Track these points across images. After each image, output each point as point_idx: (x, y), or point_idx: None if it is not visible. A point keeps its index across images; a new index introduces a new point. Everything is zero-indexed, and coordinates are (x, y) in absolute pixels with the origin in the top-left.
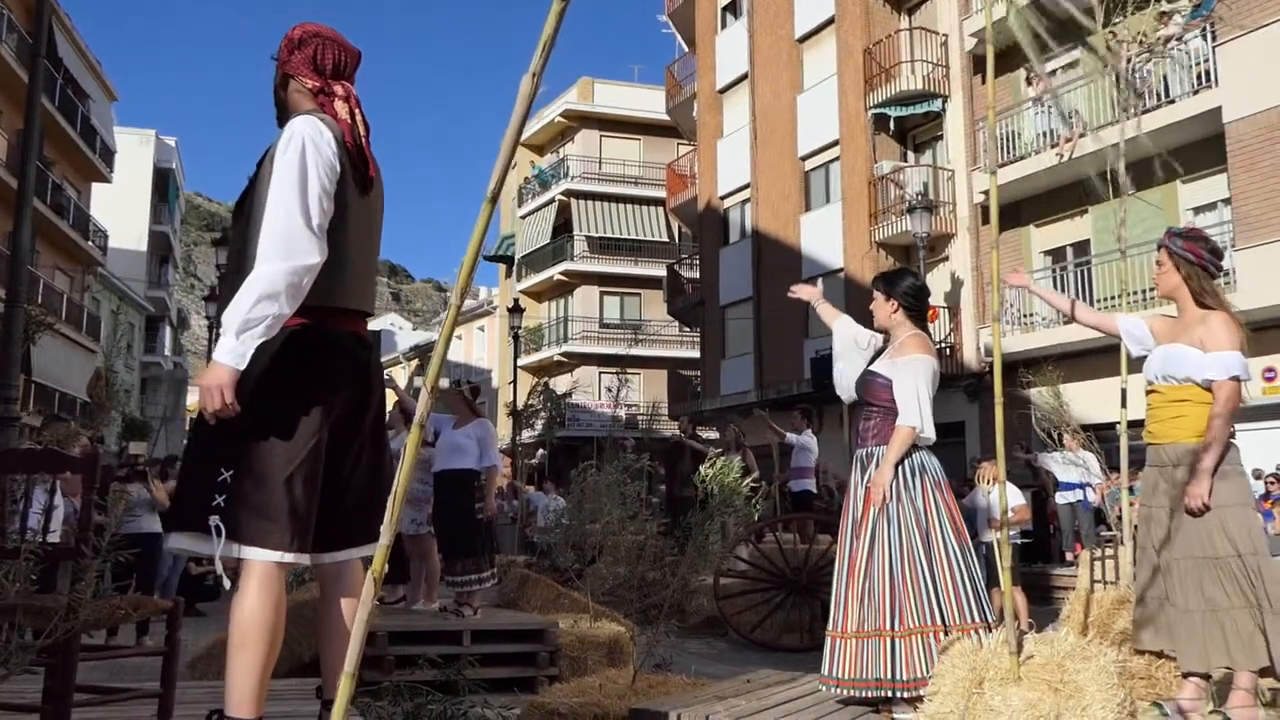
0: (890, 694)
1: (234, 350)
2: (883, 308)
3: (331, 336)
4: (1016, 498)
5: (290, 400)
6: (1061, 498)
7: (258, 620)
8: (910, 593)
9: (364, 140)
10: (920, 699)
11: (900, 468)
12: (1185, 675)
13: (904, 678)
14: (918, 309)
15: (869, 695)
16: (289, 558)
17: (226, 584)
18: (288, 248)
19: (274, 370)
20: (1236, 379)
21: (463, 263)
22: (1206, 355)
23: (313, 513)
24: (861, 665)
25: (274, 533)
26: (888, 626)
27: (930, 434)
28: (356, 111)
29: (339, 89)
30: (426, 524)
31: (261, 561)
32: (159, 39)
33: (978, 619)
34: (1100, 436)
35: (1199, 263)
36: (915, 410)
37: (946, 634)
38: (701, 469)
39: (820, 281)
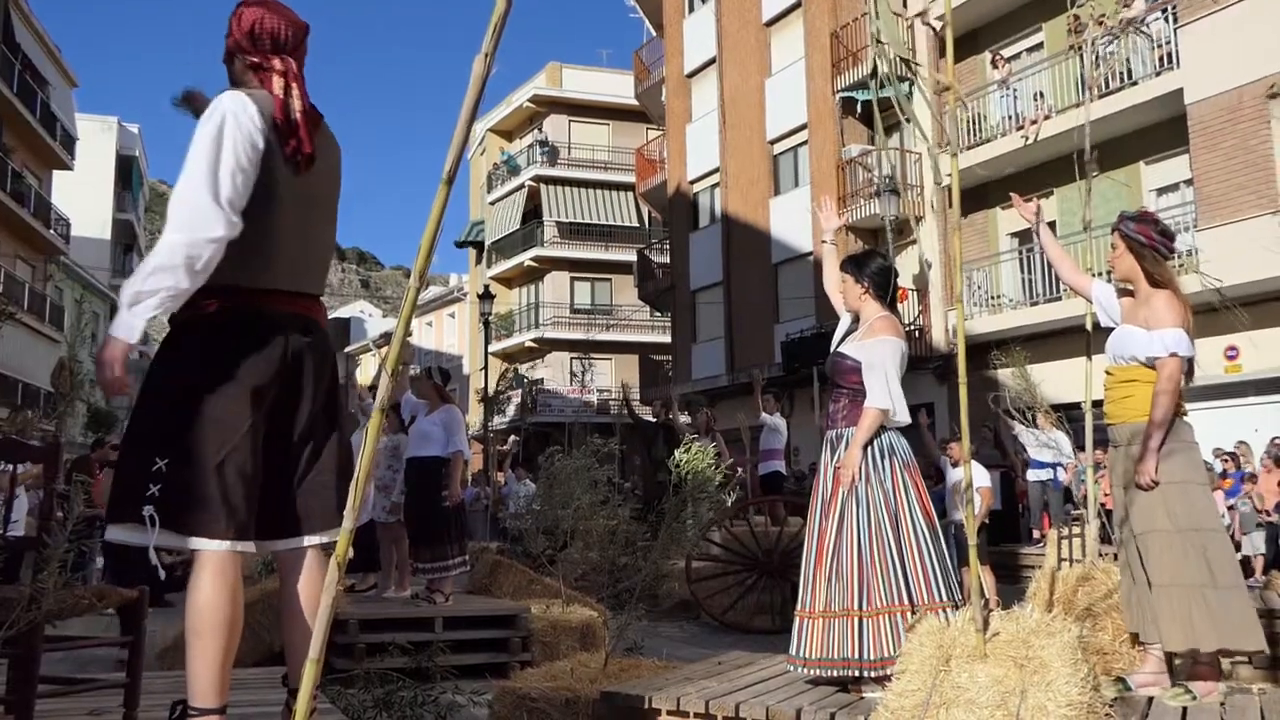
0: (858, 673)
1: (125, 323)
2: (852, 290)
3: (267, 319)
4: (983, 478)
5: (220, 385)
6: (1033, 475)
7: (211, 610)
8: (878, 573)
9: (299, 116)
10: (888, 678)
11: (869, 449)
12: (1143, 646)
13: (872, 657)
14: (886, 290)
15: (836, 675)
16: (238, 546)
17: (161, 574)
18: (189, 220)
19: (204, 354)
20: (1176, 355)
21: (421, 244)
22: (1149, 333)
23: (250, 499)
24: (829, 645)
25: (210, 521)
26: (856, 606)
27: (904, 416)
28: (293, 86)
29: (277, 63)
30: (397, 511)
31: (212, 551)
32: (120, 25)
33: (945, 598)
34: (1068, 416)
35: (1150, 244)
36: (884, 392)
37: (914, 613)
38: (676, 454)
39: (836, 214)
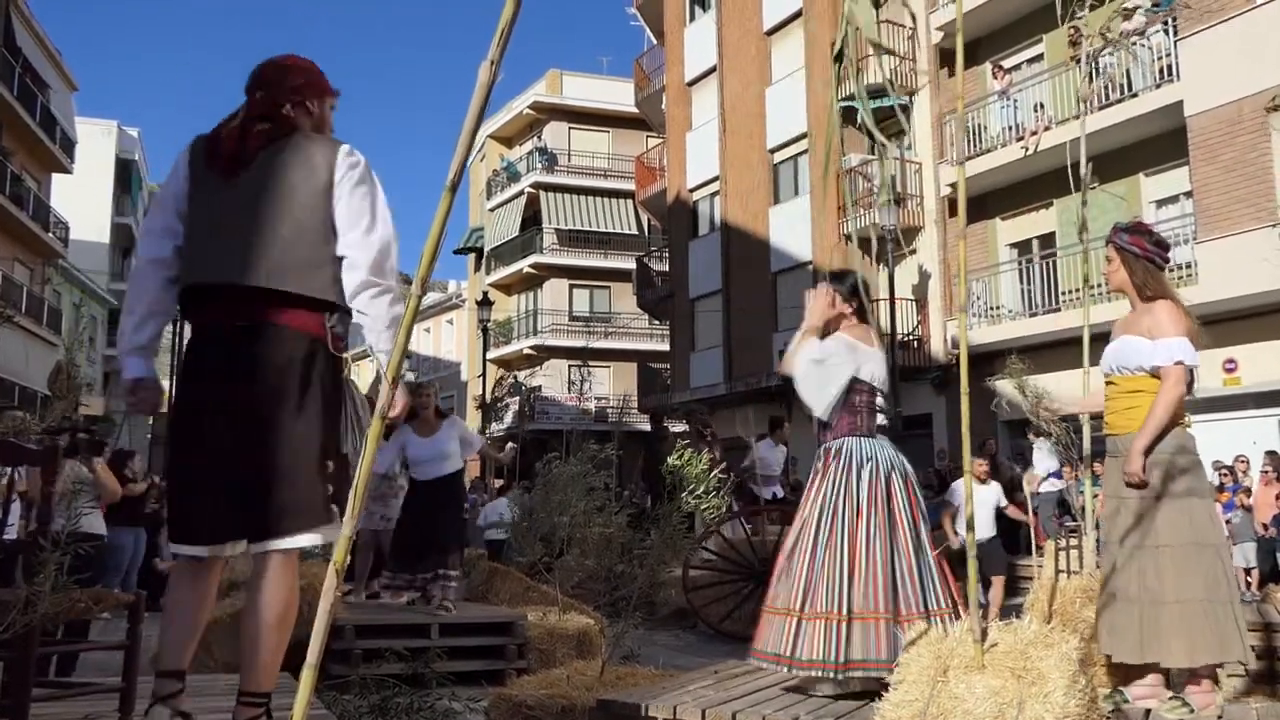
0: (833, 674)
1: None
2: (823, 299)
3: (194, 323)
4: (993, 498)
5: (177, 397)
6: (1046, 487)
7: (172, 607)
8: (862, 578)
9: (225, 131)
10: (885, 686)
11: (850, 457)
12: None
13: (856, 658)
14: (859, 306)
15: (816, 675)
16: (197, 551)
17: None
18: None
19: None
20: (1181, 364)
21: (424, 252)
22: (1154, 343)
23: (186, 503)
24: (813, 646)
25: (171, 528)
26: (842, 611)
27: (818, 411)
28: (240, 113)
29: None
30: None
31: (180, 557)
32: (120, 27)
33: (933, 606)
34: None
35: (1144, 255)
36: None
37: (897, 620)
38: (670, 460)
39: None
